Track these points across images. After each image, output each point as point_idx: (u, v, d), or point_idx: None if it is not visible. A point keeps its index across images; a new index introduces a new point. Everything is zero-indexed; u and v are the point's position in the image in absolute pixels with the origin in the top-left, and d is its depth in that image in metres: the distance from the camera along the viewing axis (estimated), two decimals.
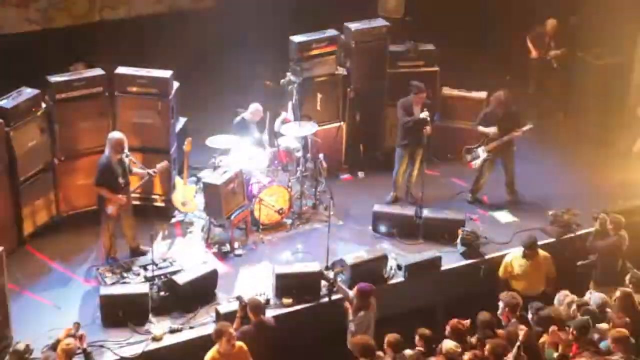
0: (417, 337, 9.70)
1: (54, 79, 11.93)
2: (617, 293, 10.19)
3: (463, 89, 14.05)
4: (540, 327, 9.81)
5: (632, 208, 12.50)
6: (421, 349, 9.59)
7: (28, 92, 11.71)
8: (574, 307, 10.12)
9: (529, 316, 10.11)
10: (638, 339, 9.61)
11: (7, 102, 11.49)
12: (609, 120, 14.69)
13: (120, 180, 11.22)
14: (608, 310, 10.15)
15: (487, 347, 9.35)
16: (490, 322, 9.87)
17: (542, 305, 10.16)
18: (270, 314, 10.71)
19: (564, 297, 10.33)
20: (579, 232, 12.33)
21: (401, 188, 12.96)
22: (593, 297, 10.44)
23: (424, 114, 12.28)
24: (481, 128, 12.80)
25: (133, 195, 11.69)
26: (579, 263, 11.54)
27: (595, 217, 11.61)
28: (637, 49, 14.64)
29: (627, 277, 10.65)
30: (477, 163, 12.88)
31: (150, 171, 11.42)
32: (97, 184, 11.24)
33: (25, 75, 12.22)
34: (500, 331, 9.85)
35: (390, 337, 9.62)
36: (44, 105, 11.85)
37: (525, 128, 12.66)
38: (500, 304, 10.13)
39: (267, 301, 10.86)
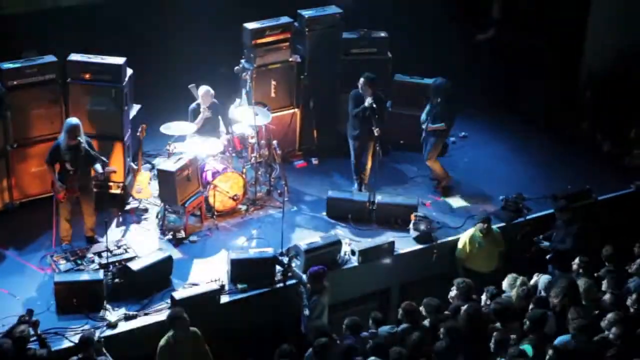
0: (370, 321, 9.86)
1: (6, 65, 11.85)
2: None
3: (416, 75, 14.13)
4: (495, 316, 9.85)
5: (579, 192, 12.78)
6: (374, 330, 9.76)
7: None
8: (523, 288, 10.32)
9: (483, 298, 10.29)
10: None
11: None
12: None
13: (68, 166, 11.19)
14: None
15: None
16: (439, 307, 10.04)
17: (497, 292, 10.32)
18: (225, 299, 10.81)
19: (513, 280, 10.52)
20: (529, 217, 12.55)
21: (362, 176, 13.01)
22: (541, 279, 10.64)
23: (368, 101, 12.33)
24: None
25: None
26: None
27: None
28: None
29: (576, 261, 10.88)
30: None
31: (98, 173, 11.34)
32: (45, 161, 11.29)
33: None
34: None
35: (348, 320, 9.77)
36: None
37: (435, 126, 12.72)
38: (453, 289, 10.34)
39: (222, 287, 10.93)
